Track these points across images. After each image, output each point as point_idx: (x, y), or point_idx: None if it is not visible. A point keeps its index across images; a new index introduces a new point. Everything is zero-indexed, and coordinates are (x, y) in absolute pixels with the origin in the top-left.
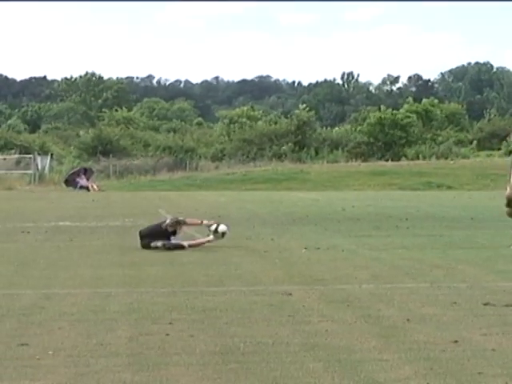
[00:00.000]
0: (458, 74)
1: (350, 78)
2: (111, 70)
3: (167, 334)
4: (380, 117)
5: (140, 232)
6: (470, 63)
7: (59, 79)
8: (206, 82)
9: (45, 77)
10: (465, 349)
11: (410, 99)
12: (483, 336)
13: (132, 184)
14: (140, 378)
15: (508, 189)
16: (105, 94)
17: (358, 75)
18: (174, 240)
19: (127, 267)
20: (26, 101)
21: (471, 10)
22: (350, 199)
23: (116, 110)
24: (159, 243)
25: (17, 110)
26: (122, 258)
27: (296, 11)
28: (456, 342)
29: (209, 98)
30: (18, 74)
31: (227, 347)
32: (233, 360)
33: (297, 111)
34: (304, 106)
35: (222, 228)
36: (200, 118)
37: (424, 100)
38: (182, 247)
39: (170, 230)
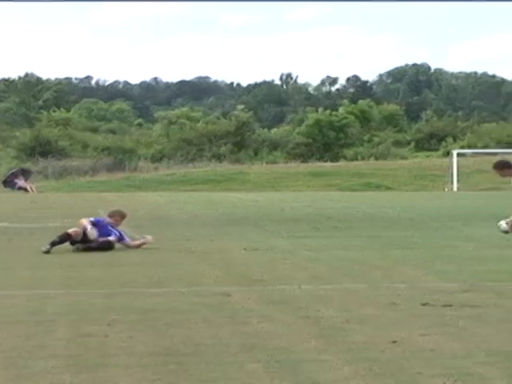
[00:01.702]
0: (397, 75)
1: (289, 79)
2: (50, 70)
3: (106, 336)
4: (318, 118)
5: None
6: (407, 64)
7: None
8: (144, 82)
9: None
10: (403, 349)
11: (346, 101)
12: (422, 336)
13: (71, 185)
14: (79, 379)
15: None
16: (44, 95)
17: (297, 76)
18: (112, 236)
19: (66, 269)
20: None
21: (409, 12)
22: (289, 200)
23: (54, 111)
24: (80, 246)
25: None
26: (60, 259)
27: (235, 12)
28: (395, 342)
29: (148, 98)
30: None
31: (167, 348)
32: (172, 361)
33: (236, 112)
34: (242, 106)
35: None
36: (140, 119)
37: (360, 101)
38: (108, 243)
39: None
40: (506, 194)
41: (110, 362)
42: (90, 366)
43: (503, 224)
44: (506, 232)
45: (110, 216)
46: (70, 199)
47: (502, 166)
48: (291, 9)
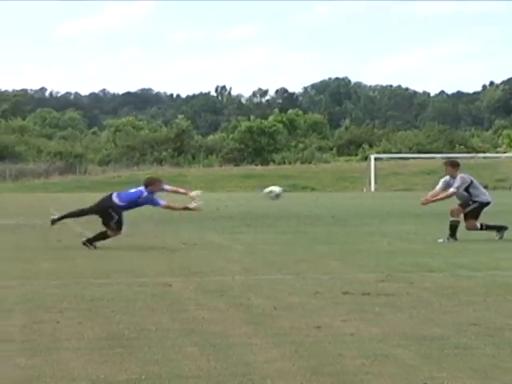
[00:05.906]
0: (320, 87)
1: (224, 91)
2: (8, 82)
3: (58, 322)
4: (249, 125)
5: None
6: (330, 78)
7: None
8: (93, 93)
9: None
10: (326, 333)
11: (276, 110)
12: (343, 322)
13: (26, 186)
14: (33, 361)
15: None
16: (3, 105)
17: (231, 88)
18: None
19: (22, 262)
20: None
21: (332, 31)
22: (224, 200)
23: (11, 120)
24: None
25: None
26: (17, 254)
27: (178, 31)
28: (318, 327)
29: (96, 108)
30: None
31: (113, 333)
32: (118, 345)
33: (176, 120)
34: (182, 116)
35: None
36: (96, 128)
37: (290, 111)
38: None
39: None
40: (416, 194)
41: (62, 346)
42: (44, 350)
43: (277, 190)
44: (276, 196)
45: (148, 184)
46: (25, 199)
47: (454, 165)
48: (229, 28)
